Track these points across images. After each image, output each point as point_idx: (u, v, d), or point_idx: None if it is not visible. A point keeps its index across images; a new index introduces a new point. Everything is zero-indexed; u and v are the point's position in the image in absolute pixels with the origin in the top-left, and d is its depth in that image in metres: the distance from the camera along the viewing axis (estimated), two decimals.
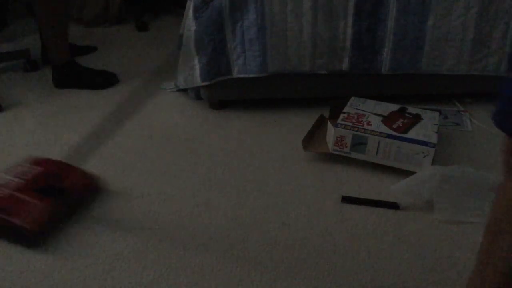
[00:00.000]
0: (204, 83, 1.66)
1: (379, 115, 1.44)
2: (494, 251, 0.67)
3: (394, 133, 1.35)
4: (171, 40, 2.41)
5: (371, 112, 1.46)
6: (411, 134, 1.35)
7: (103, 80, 1.97)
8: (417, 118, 1.44)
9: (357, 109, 1.48)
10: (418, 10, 1.55)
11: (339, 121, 1.40)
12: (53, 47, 1.90)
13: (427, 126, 1.39)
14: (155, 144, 1.57)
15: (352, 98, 1.56)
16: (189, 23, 1.59)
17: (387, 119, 1.42)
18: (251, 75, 1.62)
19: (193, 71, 1.66)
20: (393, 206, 1.24)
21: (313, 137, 1.52)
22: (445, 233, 1.15)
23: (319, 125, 1.56)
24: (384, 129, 1.36)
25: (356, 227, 1.18)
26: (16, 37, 2.67)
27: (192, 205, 1.27)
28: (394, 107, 1.51)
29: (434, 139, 1.33)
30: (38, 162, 1.31)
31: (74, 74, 1.95)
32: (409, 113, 1.47)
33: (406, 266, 1.06)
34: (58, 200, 1.19)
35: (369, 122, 1.40)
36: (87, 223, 1.21)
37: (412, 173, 1.29)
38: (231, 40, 1.58)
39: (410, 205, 1.25)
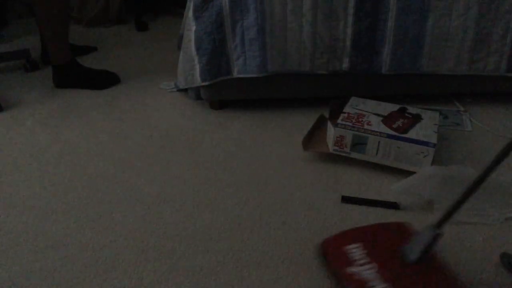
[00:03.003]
0: (204, 83, 1.66)
1: (379, 115, 1.45)
2: None
3: (394, 133, 1.35)
4: (171, 40, 2.41)
5: (371, 112, 1.46)
6: (411, 134, 1.35)
7: (104, 80, 1.97)
8: (417, 118, 1.44)
9: (357, 109, 1.48)
10: (418, 10, 1.55)
11: (339, 121, 1.40)
12: (54, 47, 1.89)
13: (427, 126, 1.39)
14: (155, 144, 1.57)
15: (352, 98, 1.56)
16: (189, 23, 1.59)
17: (387, 119, 1.42)
18: (251, 75, 1.62)
19: (193, 71, 1.66)
20: (393, 206, 1.24)
21: (313, 137, 1.52)
22: (445, 233, 1.15)
23: (319, 125, 1.56)
24: (384, 129, 1.36)
25: None
26: (16, 37, 2.68)
27: (192, 205, 1.27)
28: (394, 107, 1.51)
29: (434, 139, 1.33)
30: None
31: (75, 74, 1.95)
32: (409, 113, 1.47)
33: None
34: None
35: (369, 122, 1.40)
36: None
37: (412, 173, 1.29)
38: (231, 40, 1.58)
39: (410, 205, 1.25)
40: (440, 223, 0.91)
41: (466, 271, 1.04)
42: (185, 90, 1.87)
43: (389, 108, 1.50)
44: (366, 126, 1.37)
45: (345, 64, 1.64)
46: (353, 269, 0.93)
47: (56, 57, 1.92)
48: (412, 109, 1.50)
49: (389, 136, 1.34)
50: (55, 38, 1.88)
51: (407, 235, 0.98)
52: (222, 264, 1.07)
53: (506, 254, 1.06)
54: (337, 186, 1.34)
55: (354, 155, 1.40)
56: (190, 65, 1.66)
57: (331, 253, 1.01)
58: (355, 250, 0.98)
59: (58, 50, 1.90)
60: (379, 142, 1.35)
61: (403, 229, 1.04)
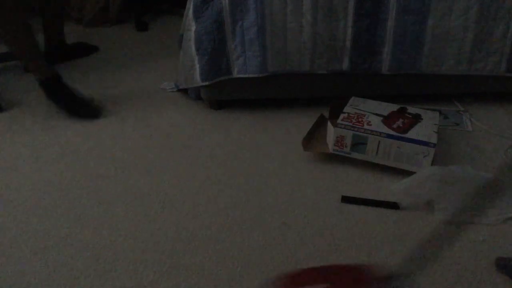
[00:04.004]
0: (204, 83, 1.66)
1: (379, 115, 1.44)
2: None
3: (394, 133, 1.35)
4: (171, 40, 2.41)
5: (371, 112, 1.46)
6: (411, 134, 1.35)
7: (82, 110, 1.74)
8: (417, 118, 1.44)
9: (357, 109, 1.48)
10: (418, 10, 1.55)
11: (339, 121, 1.40)
12: (30, 65, 1.76)
13: (427, 126, 1.39)
14: (155, 144, 1.57)
15: (352, 98, 1.56)
16: (189, 23, 1.59)
17: (387, 119, 1.42)
18: (251, 75, 1.62)
19: (193, 71, 1.66)
20: (393, 206, 1.24)
21: (313, 137, 1.52)
22: (446, 233, 1.15)
23: (319, 125, 1.56)
24: (384, 129, 1.36)
25: (356, 227, 1.18)
26: None
27: (192, 205, 1.27)
28: (394, 107, 1.51)
29: (434, 139, 1.33)
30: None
31: (55, 93, 1.77)
32: (409, 113, 1.47)
33: None
34: None
35: (369, 122, 1.40)
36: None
37: (412, 173, 1.29)
38: (231, 40, 1.58)
39: (410, 205, 1.25)
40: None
41: (466, 271, 1.04)
42: (185, 90, 1.87)
43: (389, 108, 1.50)
44: (366, 126, 1.37)
45: (345, 64, 1.63)
46: None
47: (34, 74, 1.77)
48: (412, 109, 1.50)
49: (389, 136, 1.34)
50: (26, 57, 1.75)
51: (362, 284, 0.88)
52: (222, 264, 1.07)
53: (501, 258, 1.05)
54: (337, 186, 1.34)
55: (354, 155, 1.39)
56: (190, 65, 1.66)
57: None
58: None
59: (34, 66, 1.76)
60: (379, 142, 1.35)
61: (359, 277, 0.90)
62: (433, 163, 1.32)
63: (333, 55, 1.62)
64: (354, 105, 1.50)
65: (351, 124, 1.38)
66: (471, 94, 1.79)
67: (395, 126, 1.38)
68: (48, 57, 2.17)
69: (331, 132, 1.42)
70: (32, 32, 1.72)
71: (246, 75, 1.62)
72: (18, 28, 1.66)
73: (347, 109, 1.48)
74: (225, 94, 1.73)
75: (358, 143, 1.37)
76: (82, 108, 1.73)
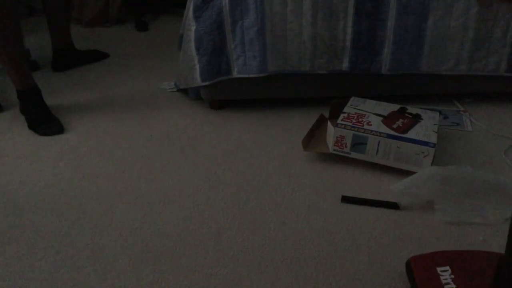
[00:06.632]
0: (204, 83, 1.66)
1: (379, 115, 1.45)
2: None
3: (394, 133, 1.35)
4: (171, 40, 2.41)
5: (371, 112, 1.46)
6: (411, 134, 1.35)
7: (45, 128, 1.68)
8: (417, 118, 1.44)
9: (357, 109, 1.48)
10: (418, 10, 1.55)
11: (339, 121, 1.40)
12: (11, 72, 1.70)
13: (427, 126, 1.39)
14: (155, 144, 1.57)
15: (352, 98, 1.56)
16: (189, 23, 1.59)
17: (387, 119, 1.42)
18: (251, 75, 1.62)
19: (193, 71, 1.66)
20: (393, 206, 1.24)
21: (313, 137, 1.52)
22: (445, 233, 1.15)
23: (319, 125, 1.56)
24: (384, 129, 1.36)
25: (356, 227, 1.18)
26: None
27: (192, 205, 1.27)
28: (394, 107, 1.51)
29: (434, 139, 1.33)
30: None
31: (29, 106, 1.73)
32: (409, 113, 1.47)
33: None
34: None
35: (369, 122, 1.40)
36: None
37: (412, 173, 1.29)
38: (231, 40, 1.58)
39: (410, 205, 1.25)
40: None
41: None
42: (185, 90, 1.87)
43: (389, 108, 1.50)
44: (366, 126, 1.37)
45: (345, 64, 1.64)
46: None
47: (13, 82, 1.73)
48: (412, 109, 1.50)
49: (389, 136, 1.34)
50: (10, 64, 1.67)
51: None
52: (222, 264, 1.07)
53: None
54: (337, 186, 1.34)
55: (354, 155, 1.40)
56: (190, 65, 1.66)
57: (420, 271, 0.98)
58: (444, 273, 0.95)
59: (15, 75, 1.70)
60: (379, 142, 1.35)
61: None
62: (433, 163, 1.32)
63: (333, 55, 1.62)
64: (354, 105, 1.50)
65: (351, 124, 1.38)
66: (471, 94, 1.80)
67: (395, 126, 1.38)
68: (56, 63, 2.16)
69: (331, 132, 1.42)
70: (22, 38, 1.67)
71: (246, 75, 1.62)
72: (8, 34, 1.60)
73: (347, 109, 1.48)
74: (225, 94, 1.73)
75: (358, 143, 1.37)
76: (43, 125, 1.67)
